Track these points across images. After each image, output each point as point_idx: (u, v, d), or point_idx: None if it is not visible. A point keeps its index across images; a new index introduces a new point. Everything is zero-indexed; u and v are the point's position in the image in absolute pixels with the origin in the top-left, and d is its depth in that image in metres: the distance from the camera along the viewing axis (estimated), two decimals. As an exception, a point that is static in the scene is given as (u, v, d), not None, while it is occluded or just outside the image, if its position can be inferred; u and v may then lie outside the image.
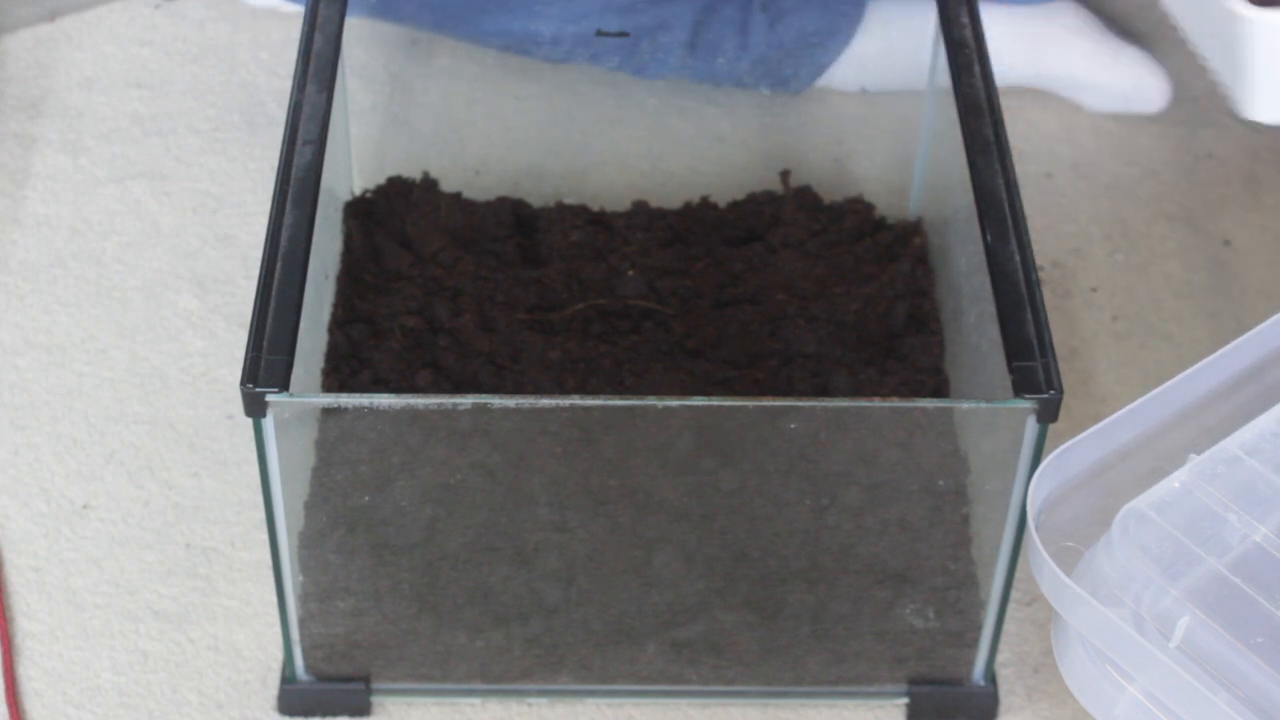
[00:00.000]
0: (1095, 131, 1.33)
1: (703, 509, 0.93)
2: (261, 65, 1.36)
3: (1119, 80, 1.32)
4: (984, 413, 0.88)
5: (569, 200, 1.20)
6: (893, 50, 1.32)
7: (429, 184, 1.17)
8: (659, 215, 1.18)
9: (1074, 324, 1.20)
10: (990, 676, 1.00)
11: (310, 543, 0.95)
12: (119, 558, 1.07)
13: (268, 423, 0.86)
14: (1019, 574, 0.94)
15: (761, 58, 1.30)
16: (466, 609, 0.96)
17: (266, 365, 0.85)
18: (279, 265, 0.90)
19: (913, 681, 0.99)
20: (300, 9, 1.32)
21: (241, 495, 1.10)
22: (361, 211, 1.15)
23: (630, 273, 1.12)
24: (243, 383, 0.85)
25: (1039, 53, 1.31)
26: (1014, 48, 1.31)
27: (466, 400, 0.87)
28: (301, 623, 0.96)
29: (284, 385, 0.85)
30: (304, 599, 0.96)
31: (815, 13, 1.30)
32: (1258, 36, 0.93)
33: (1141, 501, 0.80)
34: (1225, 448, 0.82)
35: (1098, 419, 0.83)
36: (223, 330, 1.19)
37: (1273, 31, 0.93)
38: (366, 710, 1.00)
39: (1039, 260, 1.22)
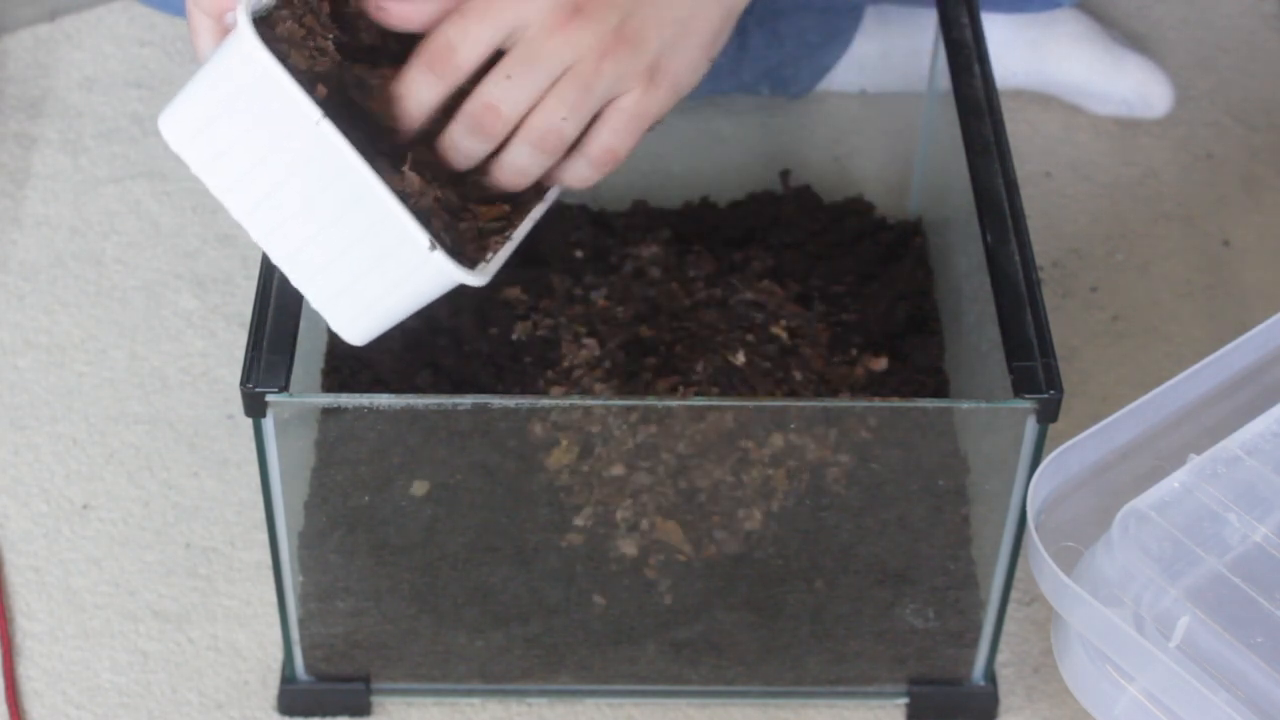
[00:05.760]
0: (1095, 131, 1.33)
1: (702, 508, 0.93)
2: (261, 65, 1.36)
3: (1121, 88, 1.32)
4: (984, 413, 0.88)
5: (569, 200, 1.20)
6: (892, 51, 1.32)
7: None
8: (659, 215, 1.19)
9: (1074, 324, 1.20)
10: (990, 676, 1.00)
11: (310, 543, 0.95)
12: (119, 558, 1.07)
13: (268, 423, 0.86)
14: (1019, 574, 0.94)
15: (762, 63, 1.30)
16: (466, 609, 0.96)
17: (266, 365, 0.85)
18: (279, 265, 0.90)
19: (913, 681, 1.00)
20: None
21: (241, 495, 1.10)
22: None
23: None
24: (243, 383, 0.85)
25: (1041, 60, 1.31)
26: (1016, 55, 1.31)
27: (466, 400, 0.87)
28: (301, 623, 0.96)
29: (284, 385, 0.85)
30: (304, 599, 0.96)
31: (815, 17, 1.30)
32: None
33: (1141, 501, 0.80)
34: (1225, 448, 0.82)
35: (1098, 419, 0.83)
36: (223, 330, 1.19)
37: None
38: (366, 710, 1.00)
39: (1039, 260, 1.22)
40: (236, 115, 0.78)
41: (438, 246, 0.78)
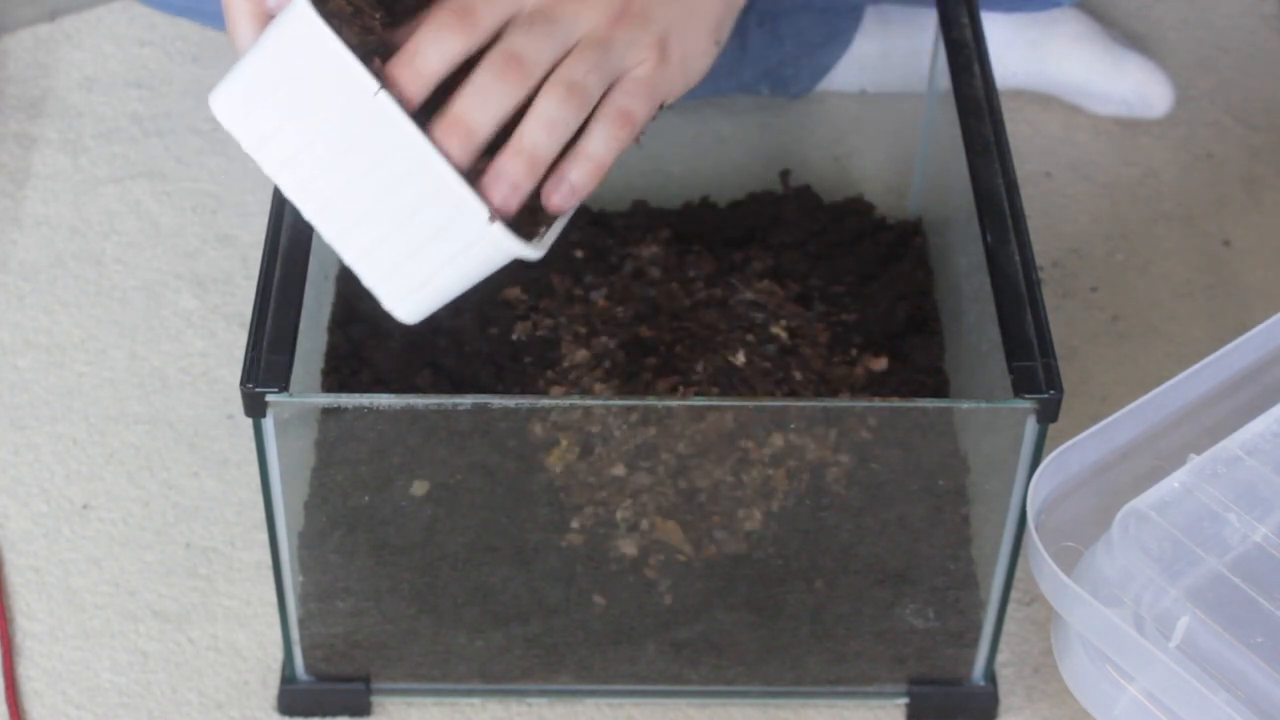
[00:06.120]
0: (1095, 131, 1.33)
1: (702, 508, 0.93)
2: (261, 65, 1.36)
3: (1121, 88, 1.32)
4: (984, 413, 0.88)
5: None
6: (892, 51, 1.32)
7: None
8: (659, 215, 1.19)
9: (1074, 324, 1.20)
10: (990, 676, 1.00)
11: (310, 543, 0.95)
12: (119, 558, 1.07)
13: (268, 423, 0.86)
14: (1019, 574, 0.94)
15: (762, 63, 1.30)
16: (466, 609, 0.96)
17: (266, 365, 0.85)
18: (279, 265, 0.90)
19: (913, 681, 1.00)
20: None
21: (241, 495, 1.10)
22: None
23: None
24: (243, 383, 0.85)
25: (1041, 60, 1.31)
26: (1016, 55, 1.31)
27: (466, 400, 0.87)
28: (301, 623, 0.96)
29: (284, 385, 0.85)
30: (304, 599, 0.96)
31: (815, 17, 1.30)
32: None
33: (1141, 501, 0.80)
34: (1225, 448, 0.82)
35: (1098, 419, 0.83)
36: (223, 330, 1.19)
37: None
38: (366, 710, 1.00)
39: (1039, 260, 1.22)
40: (291, 91, 0.78)
41: (497, 218, 0.78)
